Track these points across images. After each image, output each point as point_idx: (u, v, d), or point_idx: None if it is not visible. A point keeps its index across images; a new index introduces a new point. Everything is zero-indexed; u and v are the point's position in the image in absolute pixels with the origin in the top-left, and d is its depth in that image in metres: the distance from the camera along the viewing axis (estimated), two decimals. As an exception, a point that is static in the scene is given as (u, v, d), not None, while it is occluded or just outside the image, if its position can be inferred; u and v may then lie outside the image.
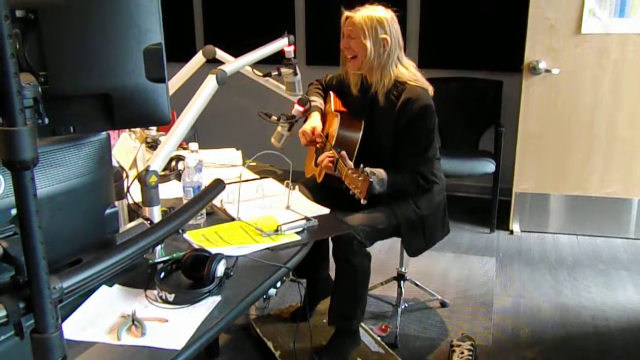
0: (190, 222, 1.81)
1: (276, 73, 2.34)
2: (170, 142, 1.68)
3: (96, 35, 1.11)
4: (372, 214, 2.16)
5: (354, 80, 2.31)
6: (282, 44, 2.26)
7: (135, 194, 1.72)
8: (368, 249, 2.15)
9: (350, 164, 1.97)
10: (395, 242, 2.43)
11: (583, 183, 3.58)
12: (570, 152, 3.55)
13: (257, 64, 2.20)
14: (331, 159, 2.09)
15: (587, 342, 2.52)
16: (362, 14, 2.14)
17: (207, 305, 1.35)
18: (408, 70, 2.18)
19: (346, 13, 2.20)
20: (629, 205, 3.57)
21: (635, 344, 2.49)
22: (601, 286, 3.01)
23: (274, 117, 2.36)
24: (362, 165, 1.87)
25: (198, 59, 2.43)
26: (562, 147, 3.55)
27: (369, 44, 2.12)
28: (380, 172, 2.01)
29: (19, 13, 1.01)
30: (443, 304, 2.82)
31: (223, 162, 2.53)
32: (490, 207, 3.74)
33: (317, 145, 2.34)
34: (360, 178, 1.82)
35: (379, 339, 2.43)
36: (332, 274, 2.35)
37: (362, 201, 1.83)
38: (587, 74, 3.40)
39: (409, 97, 2.12)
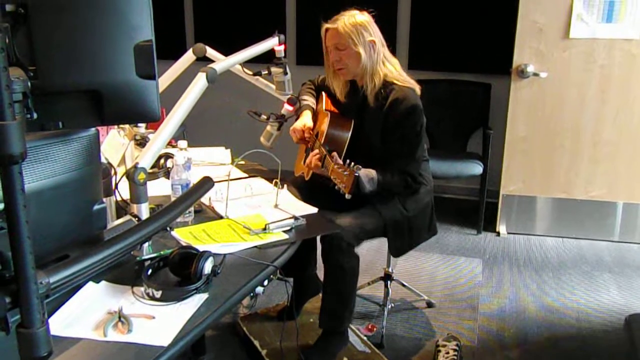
0: (178, 220, 1.81)
1: (266, 72, 2.35)
2: (159, 139, 1.68)
3: (86, 31, 1.10)
4: (360, 216, 2.17)
5: (340, 88, 2.30)
6: (272, 43, 2.26)
7: (123, 190, 1.72)
8: (356, 250, 2.16)
9: (339, 160, 1.98)
10: (382, 243, 2.44)
11: (569, 186, 3.62)
12: (557, 156, 3.58)
13: (247, 63, 2.21)
14: (318, 156, 2.09)
15: (571, 343, 2.55)
16: (344, 22, 2.11)
17: (194, 302, 1.36)
18: (394, 68, 2.19)
19: (326, 25, 2.17)
20: (614, 208, 3.61)
21: (618, 345, 2.53)
22: (585, 288, 3.04)
23: (264, 116, 2.36)
24: (348, 161, 1.88)
25: (188, 57, 2.43)
26: (548, 150, 3.58)
27: (361, 50, 2.11)
28: (370, 172, 2.02)
29: (8, 7, 1.01)
30: (429, 304, 2.83)
31: (212, 160, 2.53)
32: (477, 209, 3.77)
33: (308, 144, 2.35)
34: (346, 172, 1.83)
35: (365, 338, 2.44)
36: (320, 274, 2.36)
37: (347, 196, 1.83)
38: (574, 78, 3.43)
39: (397, 97, 2.12)
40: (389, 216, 2.21)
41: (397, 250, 2.32)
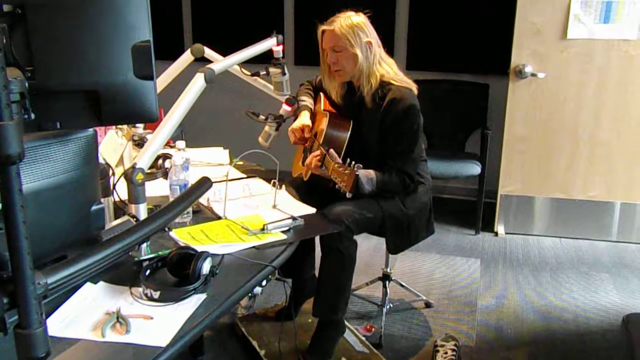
0: (177, 220, 1.81)
1: (264, 72, 2.34)
2: (157, 140, 1.68)
3: (84, 31, 1.10)
4: (360, 203, 2.16)
5: (335, 90, 2.30)
6: (270, 43, 2.26)
7: (121, 191, 1.72)
8: (355, 238, 2.15)
9: (338, 159, 1.97)
10: (380, 243, 2.44)
11: (567, 186, 3.63)
12: (555, 156, 3.59)
13: (245, 63, 2.20)
14: (318, 157, 2.09)
15: (569, 343, 2.55)
16: (341, 24, 2.11)
17: (193, 302, 1.35)
18: (391, 69, 2.19)
19: (322, 27, 2.17)
20: (611, 208, 3.62)
21: (616, 345, 2.53)
22: (583, 288, 3.05)
23: (262, 117, 2.36)
24: (348, 160, 1.88)
25: (186, 57, 2.43)
26: (546, 150, 3.59)
27: (358, 51, 2.12)
28: (369, 172, 2.02)
29: (6, 7, 1.00)
30: (428, 305, 2.83)
31: (210, 161, 2.53)
32: (475, 209, 3.77)
33: (306, 144, 2.35)
34: (346, 171, 1.83)
35: (363, 338, 2.44)
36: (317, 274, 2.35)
37: (348, 194, 1.84)
38: (571, 78, 3.44)
39: (394, 97, 2.13)
40: (388, 210, 2.21)
41: (395, 247, 2.32)
